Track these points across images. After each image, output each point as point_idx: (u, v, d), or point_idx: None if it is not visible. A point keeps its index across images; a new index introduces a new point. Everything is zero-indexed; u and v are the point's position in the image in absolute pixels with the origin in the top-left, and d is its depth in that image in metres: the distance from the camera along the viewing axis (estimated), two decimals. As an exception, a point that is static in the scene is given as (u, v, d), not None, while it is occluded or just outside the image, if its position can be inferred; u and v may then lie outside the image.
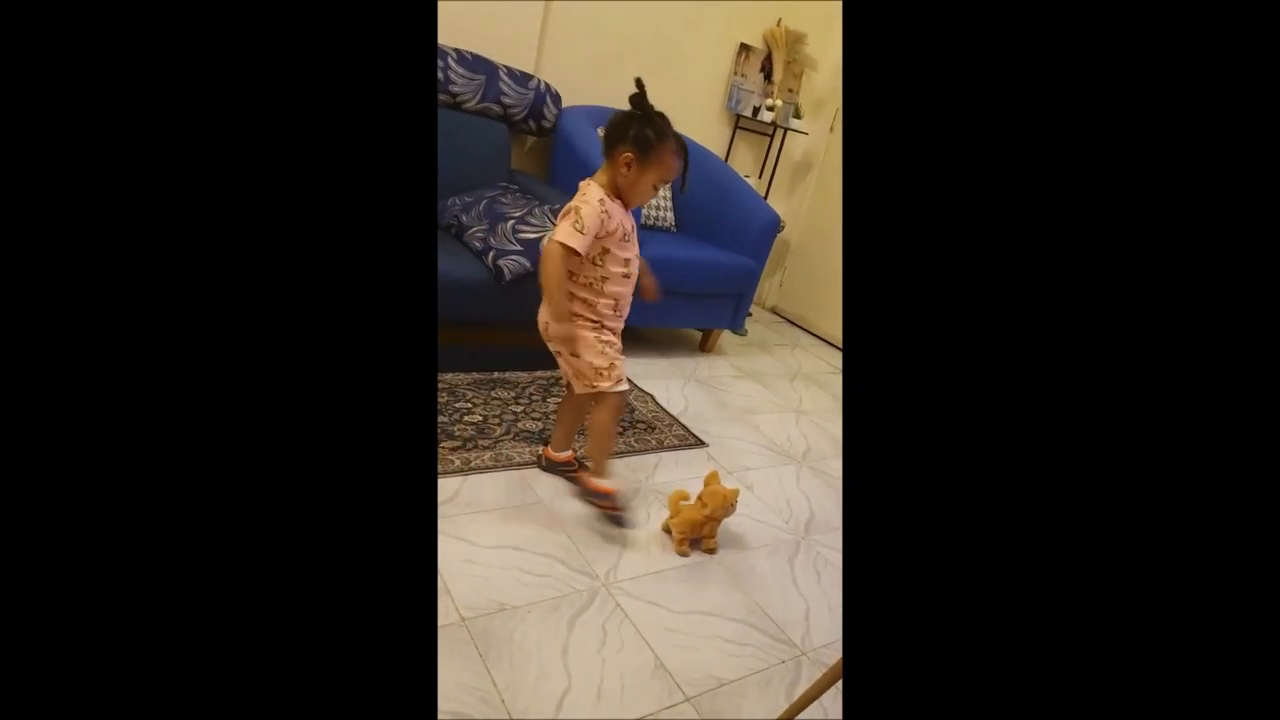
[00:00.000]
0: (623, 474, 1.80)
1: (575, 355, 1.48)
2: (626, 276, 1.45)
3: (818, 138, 3.41)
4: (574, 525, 1.55)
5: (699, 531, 1.57)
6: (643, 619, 1.33)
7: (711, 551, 1.59)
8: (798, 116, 3.20)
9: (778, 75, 3.15)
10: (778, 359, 3.01)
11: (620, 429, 2.02)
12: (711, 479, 1.60)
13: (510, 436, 1.82)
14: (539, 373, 2.22)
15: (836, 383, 2.92)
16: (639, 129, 1.34)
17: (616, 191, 1.39)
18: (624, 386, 1.53)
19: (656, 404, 2.26)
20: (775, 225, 2.66)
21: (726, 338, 3.00)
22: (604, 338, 1.48)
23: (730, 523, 1.72)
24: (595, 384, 1.50)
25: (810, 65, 3.20)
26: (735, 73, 3.08)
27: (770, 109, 3.10)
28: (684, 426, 2.16)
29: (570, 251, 1.35)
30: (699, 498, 1.57)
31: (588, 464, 1.63)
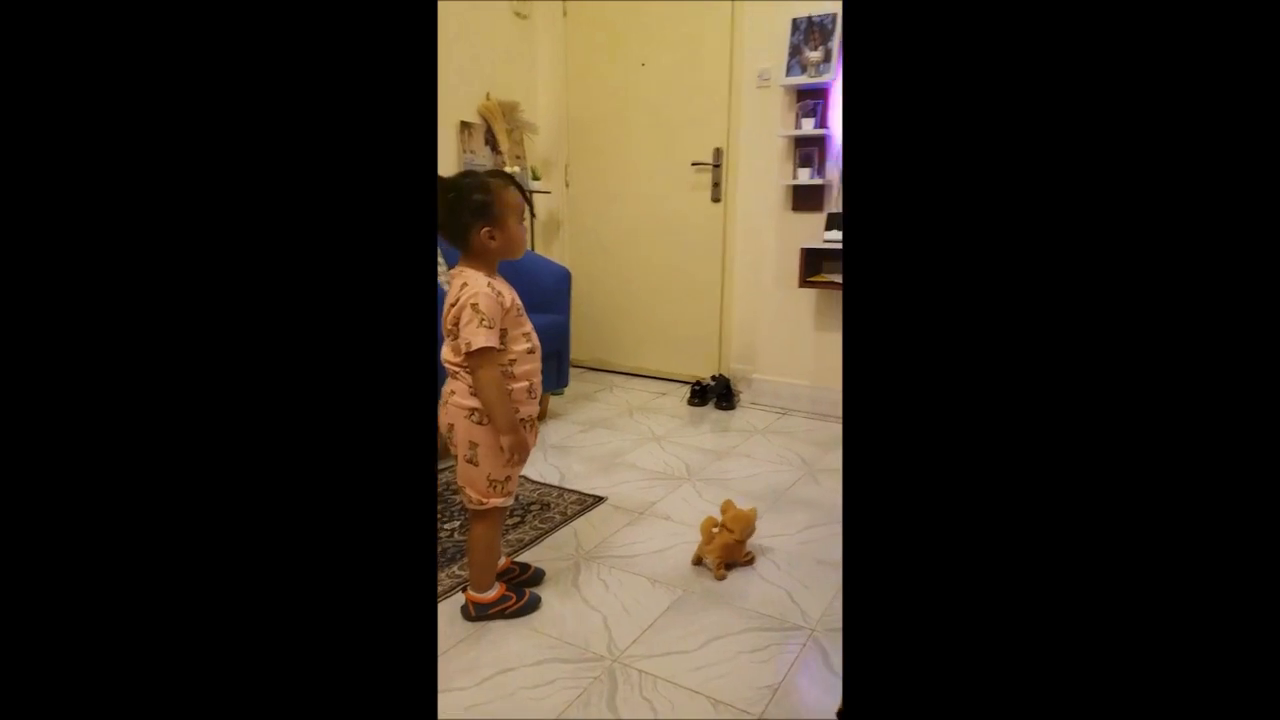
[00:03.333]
0: (548, 555, 1.72)
1: (472, 463, 1.37)
2: (531, 352, 1.38)
3: (558, 194, 3.57)
4: (543, 622, 1.45)
5: (734, 555, 1.65)
6: (671, 671, 1.29)
7: (750, 562, 1.69)
8: (536, 179, 3.32)
9: (503, 145, 3.25)
10: (606, 403, 3.07)
11: (518, 519, 1.92)
12: (728, 507, 1.67)
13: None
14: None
15: (668, 404, 3.06)
16: (467, 200, 1.28)
17: (492, 264, 1.34)
18: (512, 500, 1.45)
19: (535, 482, 2.19)
20: (567, 278, 2.73)
21: (552, 400, 2.99)
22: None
23: (682, 549, 1.73)
24: (486, 500, 1.39)
25: (530, 130, 3.35)
26: (464, 151, 3.12)
27: (510, 178, 3.18)
28: (574, 491, 2.12)
29: (491, 352, 1.28)
30: (723, 526, 1.63)
31: (466, 585, 1.48)
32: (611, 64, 3.32)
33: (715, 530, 1.64)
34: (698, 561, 1.66)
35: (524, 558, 1.70)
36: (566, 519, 1.94)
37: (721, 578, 1.61)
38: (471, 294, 1.27)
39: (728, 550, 1.62)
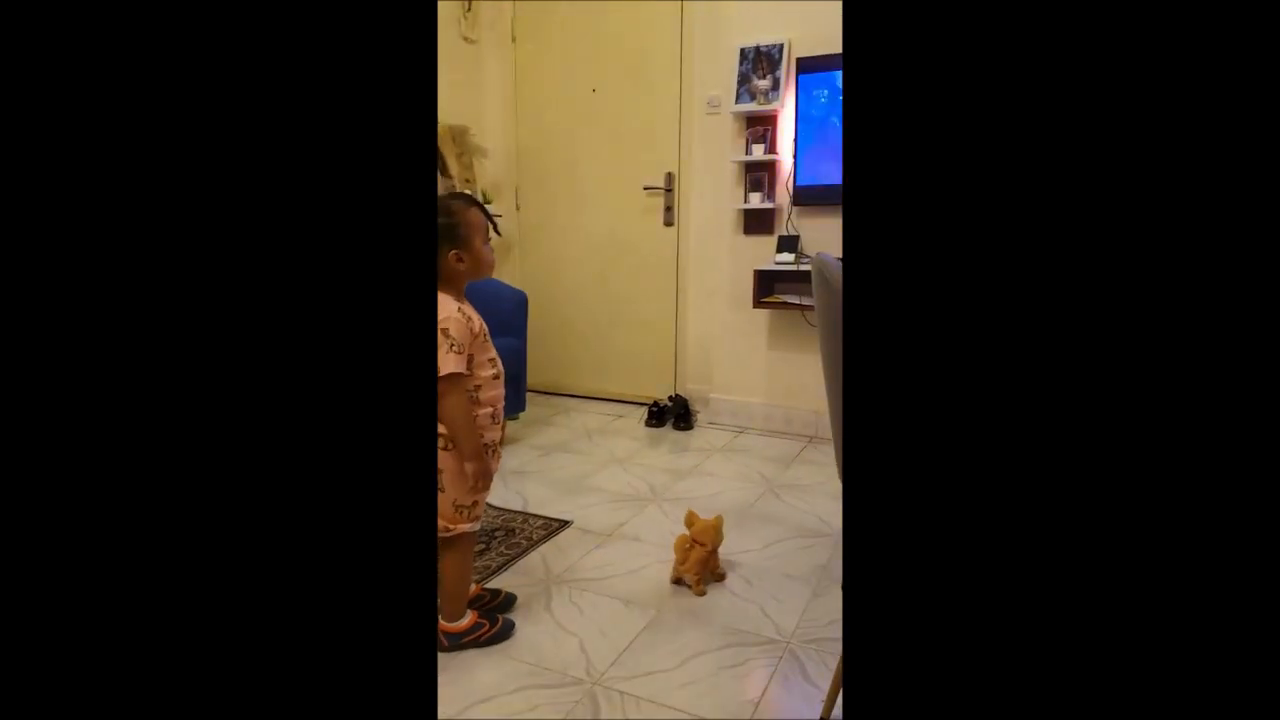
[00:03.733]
0: (517, 581, 1.70)
1: (438, 489, 1.35)
2: (496, 378, 1.38)
3: (509, 217, 3.57)
4: (520, 649, 1.43)
5: (708, 567, 1.66)
6: (652, 691, 1.29)
7: (722, 578, 1.70)
8: (487, 202, 3.31)
9: (453, 169, 3.24)
10: (563, 427, 3.06)
11: (483, 546, 1.89)
12: (692, 519, 1.68)
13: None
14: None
15: (626, 426, 3.07)
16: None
17: (460, 288, 1.34)
18: (479, 525, 1.43)
19: (498, 508, 2.16)
20: (524, 301, 2.73)
21: (510, 426, 2.96)
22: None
23: (653, 569, 1.74)
24: (453, 526, 1.37)
25: (480, 154, 3.35)
26: (415, 177, 3.10)
27: (462, 202, 3.17)
28: (539, 515, 2.10)
29: (459, 378, 1.27)
30: (693, 539, 1.64)
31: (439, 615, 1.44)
32: (562, 89, 3.36)
33: (689, 547, 1.65)
34: (677, 580, 1.67)
35: (493, 584, 1.67)
36: (533, 544, 1.92)
37: (702, 593, 1.63)
38: (442, 318, 1.27)
39: (704, 564, 1.64)
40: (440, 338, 1.26)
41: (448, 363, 1.25)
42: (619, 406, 3.37)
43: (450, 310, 1.28)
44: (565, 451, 2.71)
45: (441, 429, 1.31)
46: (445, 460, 1.33)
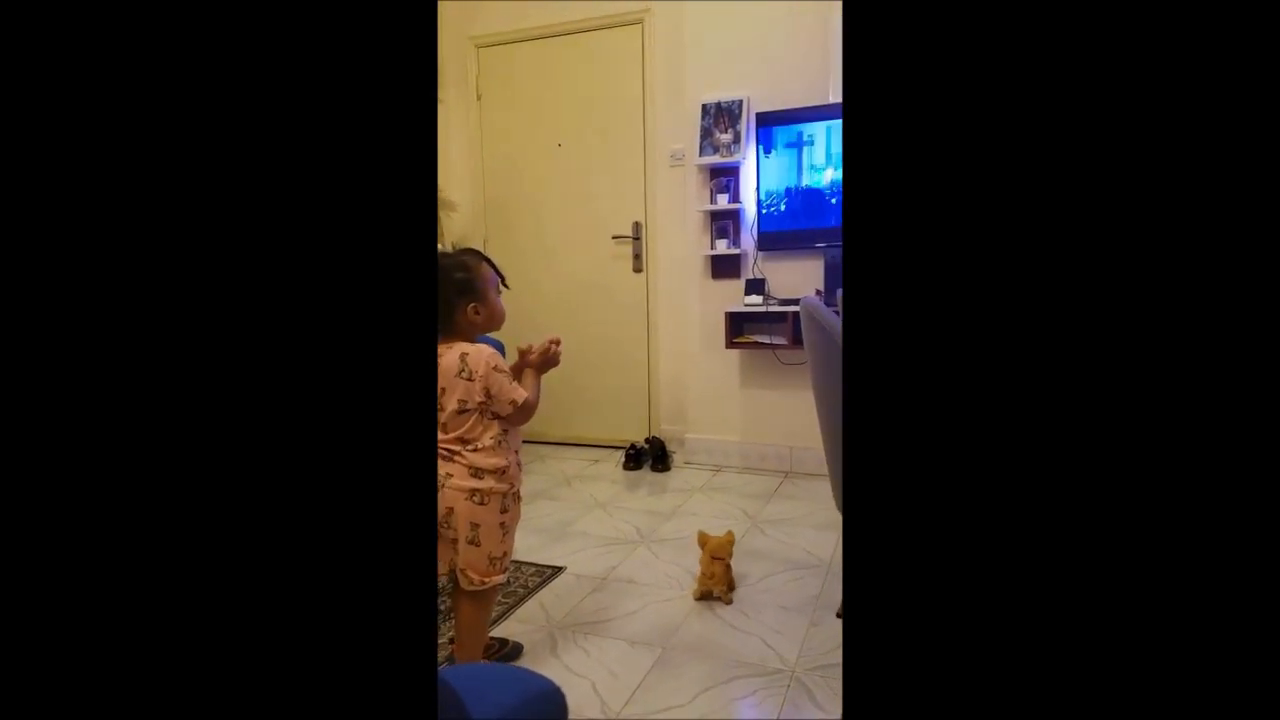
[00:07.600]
0: (519, 629, 1.72)
1: (474, 544, 1.37)
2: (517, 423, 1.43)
3: (478, 269, 3.62)
4: (532, 695, 1.44)
5: (729, 576, 1.84)
6: (671, 727, 1.32)
7: (733, 586, 1.86)
8: (457, 255, 3.37)
9: (424, 225, 3.28)
10: (540, 474, 3.08)
11: (479, 594, 1.90)
12: (704, 538, 1.81)
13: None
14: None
15: (604, 470, 3.11)
16: (450, 279, 1.33)
17: (472, 338, 1.39)
18: (507, 574, 1.47)
19: (488, 556, 2.16)
20: (502, 349, 2.76)
21: (487, 474, 2.97)
22: (506, 520, 1.40)
23: (652, 609, 1.77)
24: (488, 579, 1.40)
25: (449, 207, 3.41)
26: (386, 232, 3.13)
27: (433, 255, 3.21)
28: (531, 563, 2.11)
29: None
30: (711, 556, 1.77)
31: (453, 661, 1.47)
32: (528, 145, 3.46)
33: (711, 563, 1.79)
34: (702, 596, 1.81)
35: (496, 633, 1.68)
36: (530, 591, 1.93)
37: (729, 602, 1.79)
38: (488, 366, 1.32)
39: (726, 576, 1.81)
40: (499, 377, 1.34)
41: (516, 391, 1.35)
42: (595, 451, 3.40)
43: (487, 354, 1.34)
44: (546, 499, 2.73)
45: (476, 484, 1.35)
46: (481, 515, 1.36)
